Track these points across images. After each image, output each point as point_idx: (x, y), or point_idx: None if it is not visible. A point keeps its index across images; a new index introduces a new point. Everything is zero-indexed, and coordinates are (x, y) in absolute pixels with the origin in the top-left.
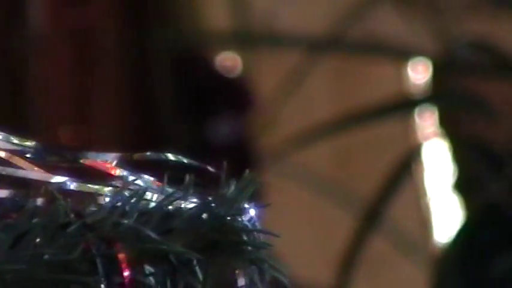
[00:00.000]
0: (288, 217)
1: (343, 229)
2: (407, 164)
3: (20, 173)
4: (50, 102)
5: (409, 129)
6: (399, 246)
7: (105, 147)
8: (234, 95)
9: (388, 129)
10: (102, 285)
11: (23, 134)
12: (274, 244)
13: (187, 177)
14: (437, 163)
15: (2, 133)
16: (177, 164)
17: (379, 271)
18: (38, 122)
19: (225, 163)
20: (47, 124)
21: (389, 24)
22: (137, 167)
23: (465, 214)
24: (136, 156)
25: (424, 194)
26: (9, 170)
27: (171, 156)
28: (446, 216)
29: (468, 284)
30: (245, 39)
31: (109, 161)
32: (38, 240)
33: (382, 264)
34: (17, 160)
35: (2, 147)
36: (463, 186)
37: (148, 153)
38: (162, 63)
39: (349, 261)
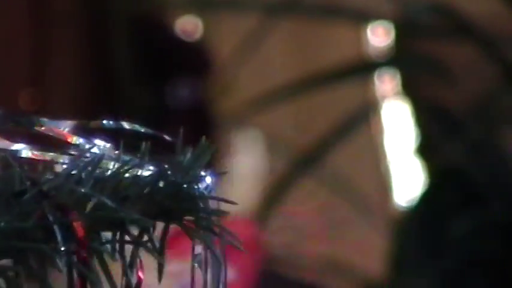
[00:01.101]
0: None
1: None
2: (359, 118)
3: None
4: (7, 64)
5: (370, 93)
6: (359, 209)
7: (62, 109)
8: (194, 59)
9: (349, 92)
10: (58, 253)
11: None
12: (230, 211)
13: (143, 145)
14: (398, 126)
15: None
16: (133, 132)
17: (340, 234)
18: None
19: (181, 130)
20: (3, 86)
21: None
22: (93, 134)
23: (426, 177)
24: (93, 124)
25: (384, 156)
26: None
27: (127, 125)
28: (406, 179)
29: (427, 245)
30: (204, 2)
31: (65, 129)
32: None
33: (342, 227)
34: None
35: None
36: (423, 149)
37: (104, 121)
38: (121, 26)
39: (269, 204)
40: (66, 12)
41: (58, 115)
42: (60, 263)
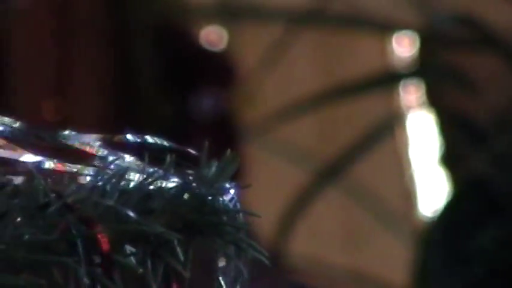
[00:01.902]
0: (272, 192)
1: (329, 203)
2: (383, 129)
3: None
4: (31, 75)
5: (394, 103)
6: (383, 220)
7: (86, 120)
8: (218, 69)
9: (374, 103)
10: (82, 266)
11: (4, 107)
12: (255, 224)
13: (168, 157)
14: (422, 136)
15: None
16: (157, 145)
17: (362, 245)
18: (20, 95)
19: (206, 142)
20: (28, 97)
21: (373, 3)
22: (118, 147)
23: (450, 187)
24: (117, 138)
25: (409, 166)
26: None
27: (151, 139)
28: (430, 189)
29: (452, 257)
30: (229, 12)
31: (89, 141)
32: (17, 220)
33: (365, 238)
34: None
35: None
36: (447, 159)
37: (128, 135)
38: (145, 36)
39: (292, 215)
40: (90, 23)
41: (82, 125)
42: (84, 276)
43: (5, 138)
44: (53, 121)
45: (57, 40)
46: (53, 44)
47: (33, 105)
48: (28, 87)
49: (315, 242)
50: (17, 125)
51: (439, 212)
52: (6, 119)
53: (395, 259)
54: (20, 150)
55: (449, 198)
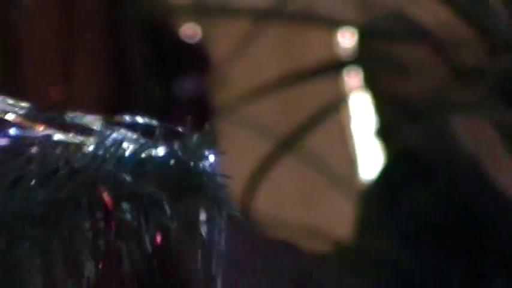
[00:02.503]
0: (241, 160)
1: (287, 169)
2: (331, 107)
3: (19, 128)
4: (40, 64)
5: (340, 86)
6: (332, 182)
7: (87, 102)
8: (196, 59)
9: (324, 86)
10: (87, 221)
11: (19, 93)
12: (229, 185)
13: (157, 131)
14: (362, 113)
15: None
16: (148, 123)
17: (315, 204)
18: (31, 81)
19: (188, 119)
20: (38, 83)
21: (324, 2)
22: (115, 125)
23: (385, 155)
24: (115, 118)
25: (352, 138)
26: (9, 126)
27: (143, 119)
28: (369, 156)
29: (387, 212)
30: (203, 11)
31: (91, 120)
32: (32, 183)
33: (317, 198)
34: (14, 118)
35: (3, 110)
36: (383, 132)
37: (124, 116)
38: (135, 31)
39: (256, 179)
40: (90, 19)
41: (83, 106)
42: (88, 229)
43: (21, 116)
44: (59, 103)
45: (62, 34)
46: (58, 37)
47: (42, 90)
48: (38, 75)
49: (275, 202)
50: (29, 106)
51: (376, 176)
52: (22, 103)
53: (342, 215)
54: (33, 126)
55: (384, 164)
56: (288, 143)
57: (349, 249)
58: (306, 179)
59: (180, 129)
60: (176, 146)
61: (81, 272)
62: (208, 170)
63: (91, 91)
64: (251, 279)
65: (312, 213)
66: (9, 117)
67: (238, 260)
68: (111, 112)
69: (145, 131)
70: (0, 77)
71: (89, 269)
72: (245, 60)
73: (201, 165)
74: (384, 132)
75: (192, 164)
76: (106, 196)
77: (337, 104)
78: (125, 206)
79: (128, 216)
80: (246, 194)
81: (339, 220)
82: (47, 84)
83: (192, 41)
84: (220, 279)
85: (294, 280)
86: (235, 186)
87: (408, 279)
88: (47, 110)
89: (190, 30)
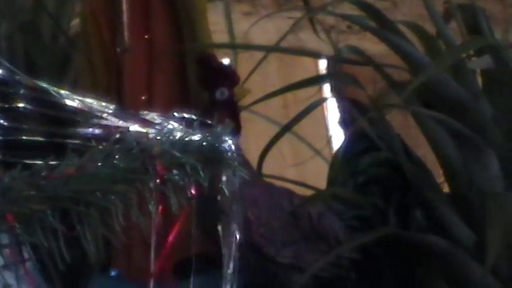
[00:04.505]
0: (258, 140)
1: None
2: (315, 105)
3: (108, 121)
4: (134, 82)
5: (321, 92)
6: (314, 151)
7: (162, 106)
8: (227, 76)
9: (310, 91)
10: (152, 181)
11: (118, 101)
12: (246, 156)
13: (195, 124)
14: (333, 109)
15: (101, 102)
16: (190, 118)
17: (305, 165)
18: (128, 94)
19: (222, 115)
20: (130, 93)
21: (309, 39)
22: (172, 119)
23: (346, 135)
24: (171, 114)
25: (327, 124)
26: (102, 120)
27: (188, 115)
28: (337, 136)
29: (347, 171)
30: (232, 46)
31: (154, 116)
32: (117, 156)
33: (307, 162)
34: (106, 115)
35: (100, 110)
36: (344, 122)
37: (176, 114)
38: (191, 59)
39: (264, 153)
40: (165, 52)
41: (160, 109)
42: (153, 186)
43: (110, 114)
44: (144, 106)
45: (147, 62)
46: (145, 64)
47: (134, 99)
48: (131, 88)
49: (278, 166)
50: (116, 107)
51: (341, 147)
52: (112, 105)
53: (321, 173)
54: (117, 120)
55: (345, 140)
56: (287, 127)
57: (325, 194)
58: (298, 150)
59: (210, 122)
60: (207, 133)
61: (149, 214)
62: (228, 148)
63: (163, 99)
64: (262, 211)
65: (301, 172)
66: (103, 114)
67: (255, 199)
68: (176, 112)
69: (188, 123)
70: (106, 90)
71: (154, 211)
72: (258, 77)
73: (224, 145)
74: (345, 121)
75: (217, 145)
76: (163, 166)
77: (320, 102)
78: (175, 172)
79: (177, 178)
80: (259, 160)
81: (319, 176)
82: (137, 94)
83: (225, 65)
84: (241, 212)
85: (290, 212)
86: (253, 157)
87: (362, 215)
88: (128, 111)
89: (224, 58)
